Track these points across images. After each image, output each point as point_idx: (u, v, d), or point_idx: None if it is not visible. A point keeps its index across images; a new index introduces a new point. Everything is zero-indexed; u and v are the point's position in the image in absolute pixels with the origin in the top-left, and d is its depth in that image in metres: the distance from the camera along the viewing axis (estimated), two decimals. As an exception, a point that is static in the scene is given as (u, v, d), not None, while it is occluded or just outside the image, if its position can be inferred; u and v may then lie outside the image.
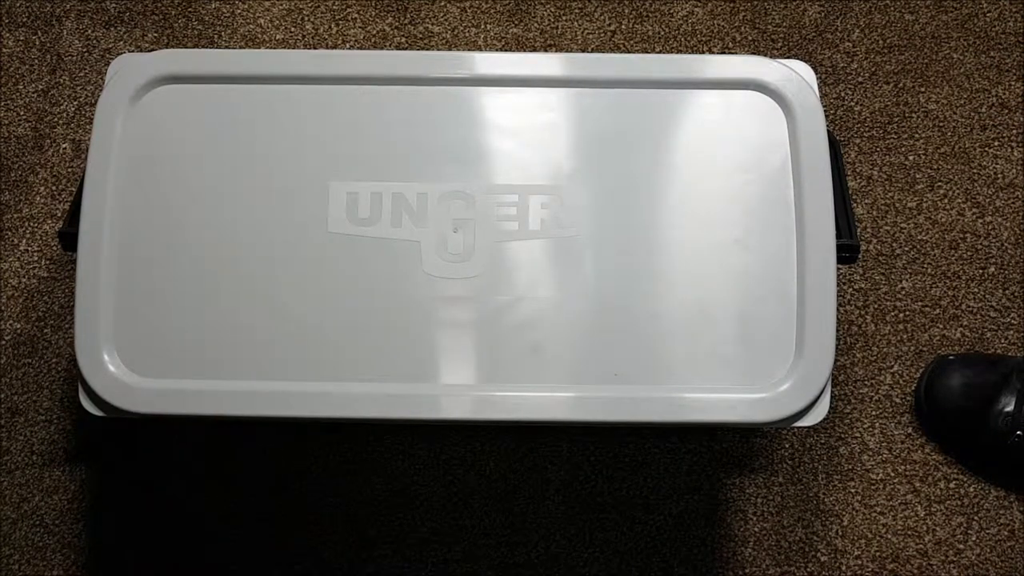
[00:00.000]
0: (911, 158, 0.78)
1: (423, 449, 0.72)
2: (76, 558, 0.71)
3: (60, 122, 0.79)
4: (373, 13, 0.82)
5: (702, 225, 0.54)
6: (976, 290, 0.75)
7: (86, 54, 0.81)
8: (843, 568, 0.70)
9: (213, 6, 0.82)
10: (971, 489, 0.71)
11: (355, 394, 0.53)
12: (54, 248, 0.76)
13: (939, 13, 0.81)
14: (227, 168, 0.55)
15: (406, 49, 0.81)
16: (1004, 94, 0.79)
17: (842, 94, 0.79)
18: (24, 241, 0.76)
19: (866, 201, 0.77)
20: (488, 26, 0.81)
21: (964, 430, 0.69)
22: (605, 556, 0.70)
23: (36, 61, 0.81)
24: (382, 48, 0.81)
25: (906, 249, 0.75)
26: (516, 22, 0.81)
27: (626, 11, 0.82)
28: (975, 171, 0.77)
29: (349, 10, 0.82)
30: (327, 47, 0.81)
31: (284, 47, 0.81)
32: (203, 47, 0.80)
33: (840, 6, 0.82)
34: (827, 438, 0.72)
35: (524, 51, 0.80)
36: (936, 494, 0.71)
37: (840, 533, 0.71)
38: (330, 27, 0.81)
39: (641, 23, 0.81)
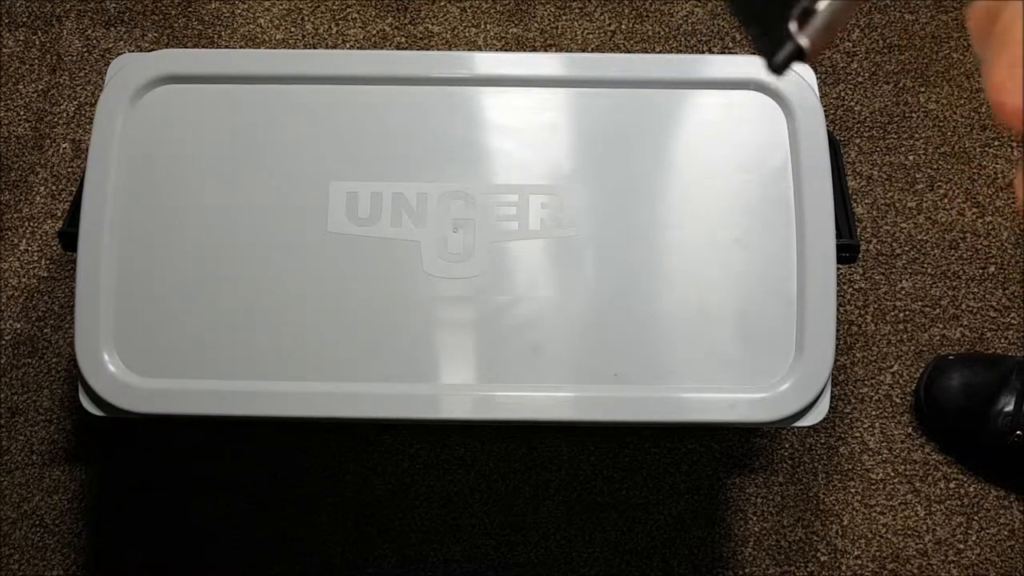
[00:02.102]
0: (911, 158, 0.78)
1: (423, 449, 0.72)
2: (76, 558, 0.71)
3: (60, 122, 0.79)
4: (373, 13, 0.82)
5: (702, 225, 0.54)
6: (976, 290, 0.75)
7: (86, 54, 0.81)
8: (843, 568, 0.70)
9: (213, 6, 0.82)
10: (971, 489, 0.71)
11: (355, 394, 0.53)
12: (54, 248, 0.76)
13: (939, 13, 0.81)
14: (227, 168, 0.55)
15: (406, 49, 0.81)
16: (1004, 94, 0.79)
17: (842, 94, 0.79)
18: (24, 241, 0.76)
19: (866, 201, 0.77)
20: (488, 26, 0.81)
21: (964, 430, 0.69)
22: (605, 556, 0.70)
23: (36, 61, 0.80)
24: (382, 48, 0.81)
25: (906, 249, 0.75)
26: (516, 22, 0.81)
27: (626, 11, 0.81)
28: (975, 171, 0.77)
29: (349, 10, 0.82)
30: (327, 47, 0.81)
31: (284, 47, 0.81)
32: (203, 47, 0.80)
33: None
34: (827, 438, 0.72)
35: (524, 51, 0.80)
36: (936, 494, 0.71)
37: (840, 533, 0.71)
38: (330, 27, 0.81)
39: (641, 23, 0.81)
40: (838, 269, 0.54)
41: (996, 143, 0.78)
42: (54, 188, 0.77)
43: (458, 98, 0.56)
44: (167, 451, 0.72)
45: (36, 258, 0.76)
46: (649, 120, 0.56)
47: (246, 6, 0.82)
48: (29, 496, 0.71)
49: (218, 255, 0.54)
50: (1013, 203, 0.77)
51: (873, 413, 0.73)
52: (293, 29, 0.81)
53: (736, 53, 0.80)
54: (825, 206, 0.54)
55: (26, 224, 0.77)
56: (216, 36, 0.81)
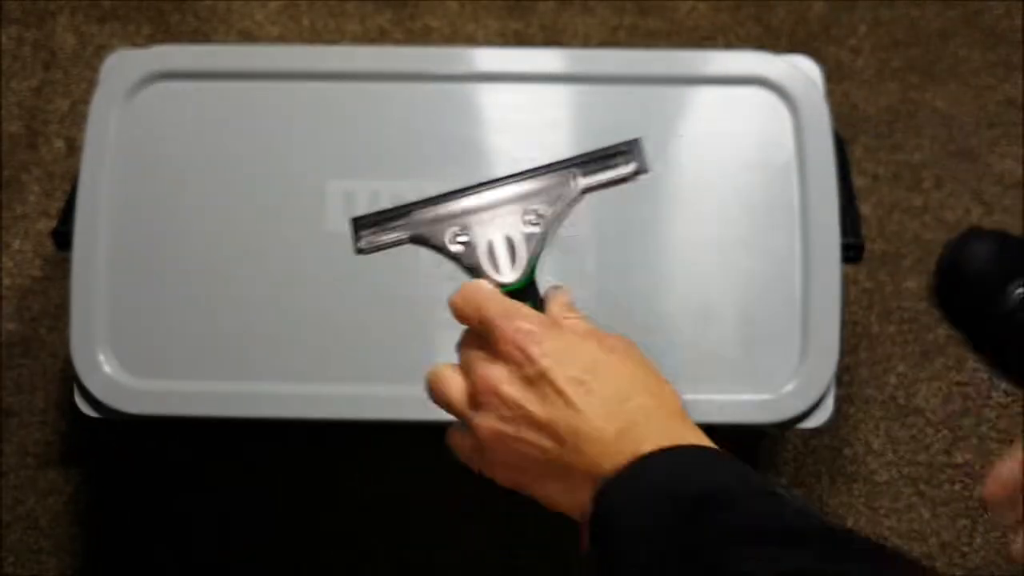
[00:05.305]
0: (917, 156, 0.77)
1: (423, 451, 0.71)
2: (72, 561, 0.70)
3: (54, 119, 0.78)
4: (371, 8, 0.81)
5: (705, 224, 0.54)
6: (982, 289, 0.74)
7: (80, 50, 0.80)
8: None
9: (208, 2, 0.81)
10: (977, 491, 0.70)
11: (353, 396, 0.52)
12: (48, 247, 0.75)
13: (946, 9, 0.80)
14: (223, 166, 0.54)
15: (404, 45, 0.80)
16: (1012, 91, 0.78)
17: (848, 91, 0.78)
18: (18, 240, 0.75)
19: (872, 199, 0.76)
20: (488, 21, 0.80)
21: (978, 296, 0.68)
22: (606, 558, 0.70)
23: (29, 58, 0.80)
24: (380, 44, 0.80)
25: (912, 248, 0.75)
26: (516, 17, 0.80)
27: (628, 6, 0.81)
28: (982, 169, 0.76)
29: (347, 5, 0.81)
30: (324, 43, 0.80)
31: (281, 43, 0.80)
32: (198, 43, 0.79)
33: (846, 2, 0.81)
34: (831, 440, 0.71)
35: (524, 47, 0.79)
36: (941, 496, 0.70)
37: (844, 535, 0.70)
38: (327, 22, 0.80)
39: (644, 18, 0.80)
40: (843, 269, 0.53)
41: (1004, 141, 0.77)
42: (48, 187, 0.77)
43: (457, 94, 0.55)
44: (163, 452, 0.71)
45: (30, 257, 0.75)
46: (652, 117, 0.55)
47: (242, 1, 0.81)
48: (24, 499, 0.71)
49: (214, 254, 0.53)
50: (1020, 202, 0.76)
51: (878, 415, 0.72)
52: (290, 24, 0.80)
53: (740, 49, 0.79)
54: (830, 205, 0.53)
55: (19, 223, 0.76)
56: (212, 32, 0.80)
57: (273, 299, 0.53)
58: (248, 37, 0.80)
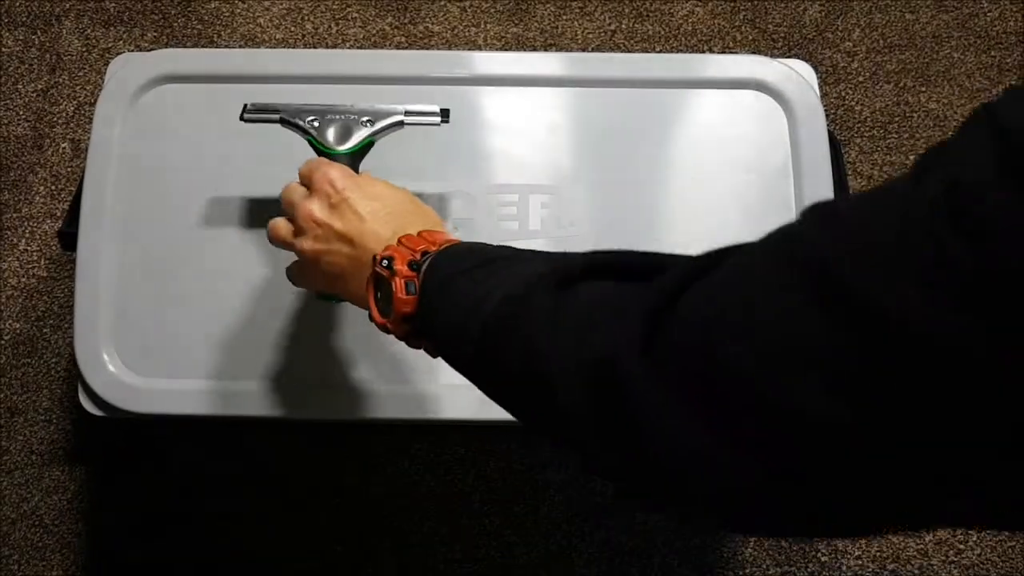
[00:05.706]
0: (912, 158, 0.77)
1: (423, 449, 0.72)
2: (76, 558, 0.71)
3: (59, 122, 0.79)
4: (373, 12, 0.82)
5: (702, 225, 0.54)
6: (977, 290, 0.74)
7: (85, 53, 0.80)
8: (843, 568, 0.70)
9: (213, 5, 0.82)
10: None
11: (356, 395, 0.53)
12: (54, 248, 0.76)
13: (940, 12, 0.81)
14: (226, 168, 0.55)
15: (406, 48, 0.81)
16: (1005, 94, 0.79)
17: (843, 93, 0.79)
18: (23, 241, 0.76)
19: (867, 201, 0.76)
20: (488, 25, 0.81)
21: None
22: (605, 556, 0.70)
23: (35, 61, 0.80)
24: (382, 48, 0.81)
25: (907, 249, 0.75)
26: (516, 21, 0.81)
27: (626, 10, 0.81)
28: (976, 171, 0.77)
29: (349, 9, 0.82)
30: (327, 47, 0.81)
31: (284, 47, 0.81)
32: (203, 47, 0.80)
33: (841, 5, 0.81)
34: (827, 438, 0.72)
35: (524, 51, 0.80)
36: (937, 494, 0.71)
37: (840, 533, 0.71)
38: (330, 27, 0.81)
39: (641, 22, 0.81)
40: (839, 269, 0.53)
41: (997, 143, 0.78)
42: (53, 188, 0.77)
43: (458, 98, 0.56)
44: (167, 451, 0.72)
45: (36, 258, 0.76)
46: (649, 120, 0.56)
47: (246, 6, 0.82)
48: (28, 496, 0.71)
49: (217, 255, 0.54)
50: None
51: (874, 413, 0.73)
52: (293, 28, 0.81)
53: (737, 52, 0.80)
54: (826, 206, 0.54)
55: (25, 224, 0.77)
56: (216, 36, 0.81)
57: (277, 300, 0.54)
58: (251, 41, 0.81)
